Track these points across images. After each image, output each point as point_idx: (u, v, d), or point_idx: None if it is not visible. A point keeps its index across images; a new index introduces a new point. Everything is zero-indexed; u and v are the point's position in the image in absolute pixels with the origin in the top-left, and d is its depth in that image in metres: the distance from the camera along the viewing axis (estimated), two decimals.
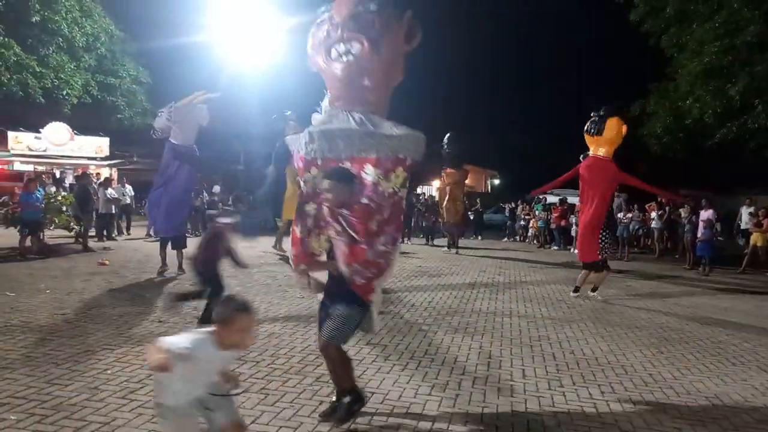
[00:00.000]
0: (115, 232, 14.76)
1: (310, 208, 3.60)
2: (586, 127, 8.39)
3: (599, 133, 8.17)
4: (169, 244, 9.03)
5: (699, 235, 12.68)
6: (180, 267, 8.99)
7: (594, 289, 8.65)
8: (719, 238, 14.40)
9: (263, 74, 22.09)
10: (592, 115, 8.36)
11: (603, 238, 8.35)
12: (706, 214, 12.67)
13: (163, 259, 9.01)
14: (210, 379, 2.53)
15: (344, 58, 3.67)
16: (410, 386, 4.33)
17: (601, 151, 8.25)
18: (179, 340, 2.36)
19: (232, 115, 21.84)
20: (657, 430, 3.76)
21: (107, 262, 9.87)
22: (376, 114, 3.66)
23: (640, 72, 18.48)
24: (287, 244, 11.39)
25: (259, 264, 10.39)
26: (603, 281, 8.73)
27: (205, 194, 17.92)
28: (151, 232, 14.58)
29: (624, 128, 8.22)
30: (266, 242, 13.19)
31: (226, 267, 5.59)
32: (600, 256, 8.37)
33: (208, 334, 2.41)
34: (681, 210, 14.39)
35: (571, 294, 8.67)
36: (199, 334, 2.42)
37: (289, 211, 11.39)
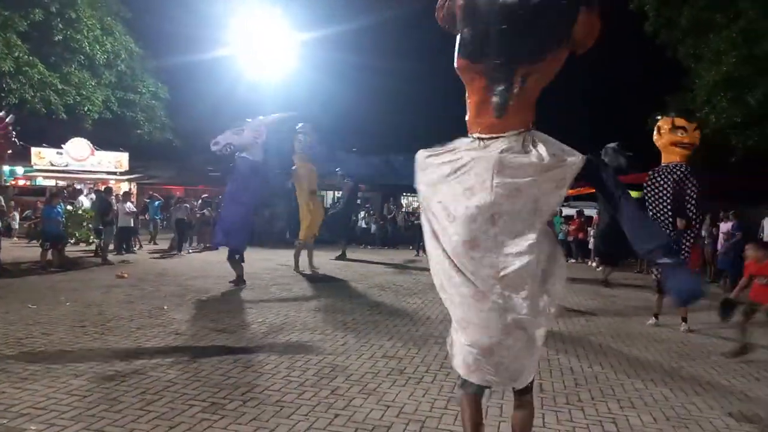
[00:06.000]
0: (137, 245, 14.89)
1: None
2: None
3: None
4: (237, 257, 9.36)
5: (719, 248, 12.47)
6: (240, 278, 9.40)
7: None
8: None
9: (277, 87, 22.40)
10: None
11: None
12: (725, 227, 12.47)
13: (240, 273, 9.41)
14: None
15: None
16: (426, 399, 4.31)
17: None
18: None
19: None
20: None
21: (126, 275, 9.99)
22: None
23: (655, 85, 18.36)
24: (304, 263, 11.43)
25: (273, 277, 10.43)
26: None
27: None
28: (187, 248, 14.88)
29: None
30: (281, 255, 13.26)
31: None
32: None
33: None
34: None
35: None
36: None
37: (305, 231, 11.22)
